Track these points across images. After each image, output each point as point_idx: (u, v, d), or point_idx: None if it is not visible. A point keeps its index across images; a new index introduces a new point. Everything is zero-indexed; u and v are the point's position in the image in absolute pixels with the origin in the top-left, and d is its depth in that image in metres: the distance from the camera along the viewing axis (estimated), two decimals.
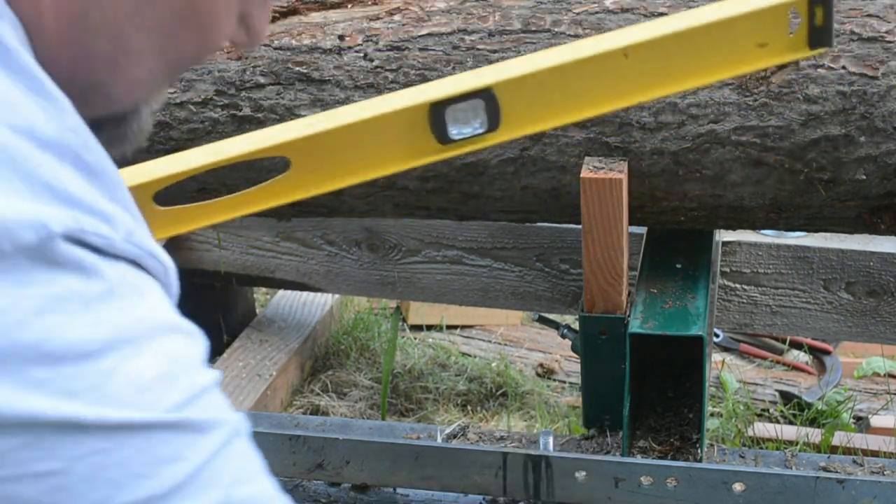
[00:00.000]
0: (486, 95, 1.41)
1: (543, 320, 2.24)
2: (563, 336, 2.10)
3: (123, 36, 0.78)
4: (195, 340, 0.74)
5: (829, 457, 1.99)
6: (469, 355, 3.45)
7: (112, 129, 0.85)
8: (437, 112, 1.41)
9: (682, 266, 2.00)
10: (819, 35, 1.40)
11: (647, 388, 1.95)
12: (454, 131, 1.41)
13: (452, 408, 3.18)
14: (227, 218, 1.59)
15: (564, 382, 3.35)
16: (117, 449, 0.68)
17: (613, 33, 1.46)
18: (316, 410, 3.13)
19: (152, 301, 0.71)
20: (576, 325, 2.05)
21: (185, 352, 0.72)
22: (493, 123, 1.42)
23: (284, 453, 1.91)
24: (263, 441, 1.91)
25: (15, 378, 0.64)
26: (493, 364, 3.36)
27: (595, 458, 1.85)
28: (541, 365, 3.40)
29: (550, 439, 1.94)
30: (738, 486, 1.75)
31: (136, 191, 1.38)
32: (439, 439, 2.02)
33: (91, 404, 0.66)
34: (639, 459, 1.85)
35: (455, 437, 2.03)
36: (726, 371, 3.28)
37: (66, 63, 0.77)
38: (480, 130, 1.42)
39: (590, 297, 1.92)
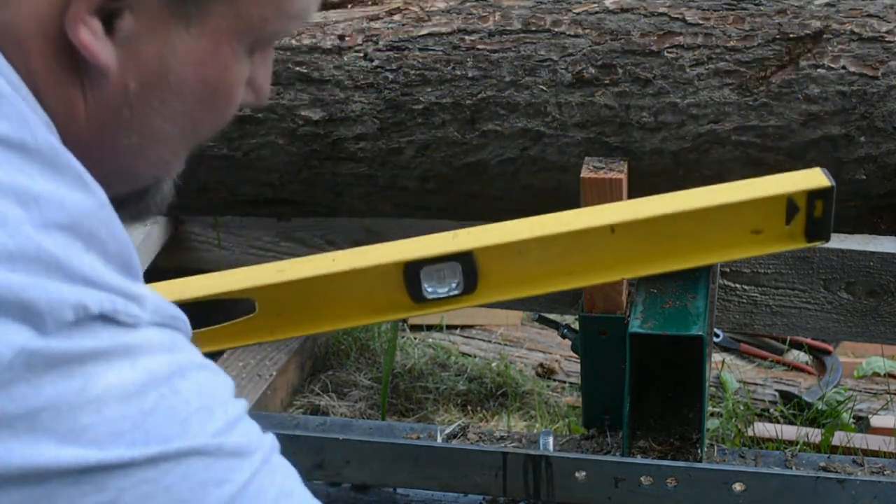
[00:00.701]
0: (464, 259, 1.37)
1: (543, 320, 2.24)
2: (563, 336, 2.10)
3: (151, 128, 0.84)
4: (223, 377, 0.81)
5: (829, 457, 1.99)
6: (469, 355, 3.45)
7: (135, 204, 0.92)
8: (413, 271, 1.38)
9: None
10: (817, 227, 1.36)
11: (647, 388, 1.95)
12: (429, 290, 1.39)
13: (452, 408, 3.18)
14: None
15: (564, 382, 3.35)
16: (163, 476, 0.74)
17: (603, 207, 1.42)
18: (316, 410, 3.13)
19: (179, 348, 0.78)
20: (576, 325, 2.05)
21: (216, 386, 0.79)
22: (470, 286, 1.38)
23: (284, 453, 1.90)
24: None
25: (65, 427, 0.71)
26: (493, 364, 3.36)
27: (595, 458, 1.85)
28: (541, 365, 3.40)
29: (550, 439, 1.94)
30: (738, 486, 1.75)
31: None
32: (439, 439, 2.02)
33: (135, 441, 0.73)
34: (639, 459, 1.85)
35: (455, 437, 2.03)
36: (726, 371, 3.29)
37: (95, 154, 0.82)
38: (456, 292, 1.39)
39: (590, 297, 1.91)
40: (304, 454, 1.90)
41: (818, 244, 1.39)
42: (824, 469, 1.91)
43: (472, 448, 1.90)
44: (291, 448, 1.89)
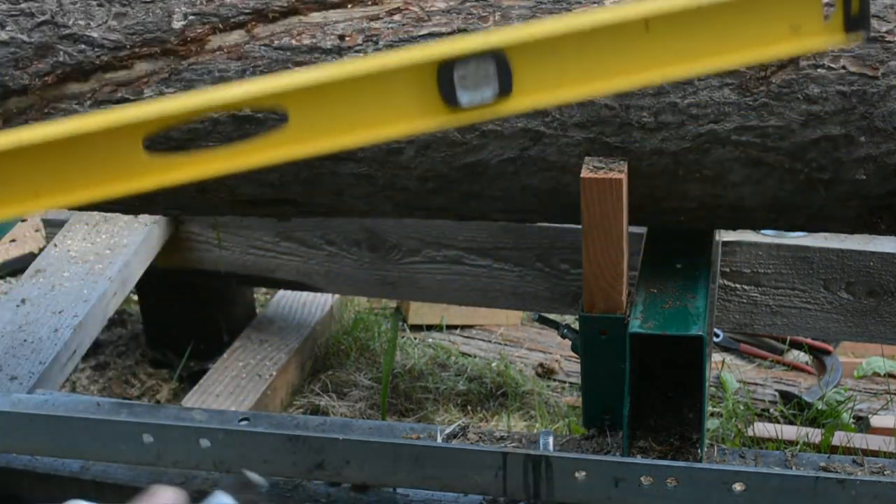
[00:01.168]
0: (497, 57, 1.36)
1: (543, 320, 2.24)
2: (563, 336, 2.10)
3: None
4: None
5: (829, 457, 1.99)
6: (469, 355, 3.45)
7: None
8: (446, 72, 1.35)
9: (682, 266, 1.99)
10: (855, 21, 1.34)
11: (647, 388, 1.95)
12: (464, 98, 1.37)
13: (452, 408, 3.17)
14: (220, 170, 1.52)
15: (564, 382, 3.35)
16: None
17: (636, 2, 1.40)
18: (316, 410, 3.13)
19: None
20: (576, 325, 2.05)
21: None
22: (505, 88, 1.37)
23: (284, 453, 1.91)
24: (263, 441, 1.91)
25: None
26: (493, 364, 3.35)
27: (595, 458, 1.85)
28: (541, 365, 3.40)
29: (550, 439, 1.94)
30: (738, 486, 1.75)
31: (124, 133, 1.32)
32: (439, 439, 2.02)
33: None
34: (639, 459, 1.85)
35: (455, 437, 2.03)
36: (726, 371, 3.29)
37: None
38: (491, 97, 1.37)
39: (590, 297, 1.92)
40: (304, 454, 1.90)
41: (859, 38, 1.35)
42: (824, 469, 1.91)
43: (472, 448, 1.90)
44: (291, 448, 1.90)
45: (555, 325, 2.14)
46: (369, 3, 1.96)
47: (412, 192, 1.97)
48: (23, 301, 2.62)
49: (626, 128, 1.84)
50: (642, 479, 1.78)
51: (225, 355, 3.12)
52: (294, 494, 2.08)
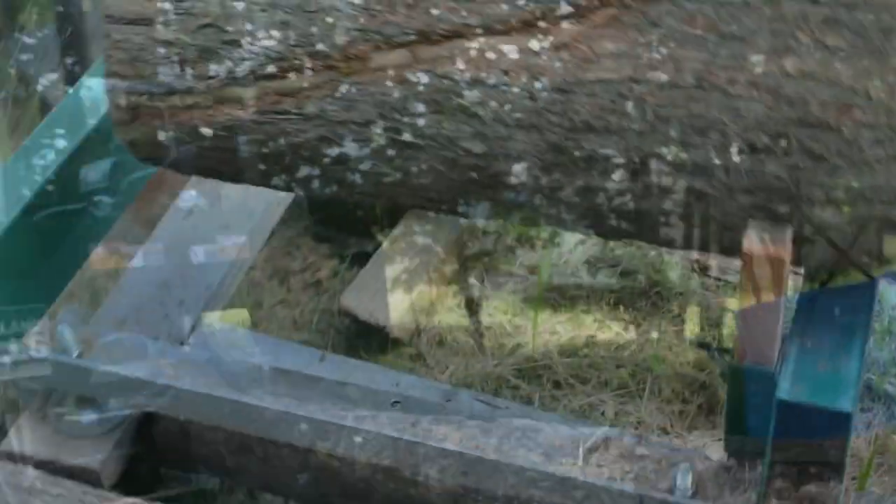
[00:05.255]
0: None
1: (699, 344, 2.23)
2: (712, 358, 2.09)
3: None
4: None
5: None
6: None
7: None
8: None
9: (840, 311, 1.94)
10: None
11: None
12: None
13: (605, 306, 3.18)
14: None
15: (720, 280, 3.32)
16: None
17: None
18: (470, 303, 3.18)
19: None
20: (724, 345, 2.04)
21: None
22: None
23: None
24: None
25: None
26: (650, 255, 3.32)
27: None
28: (696, 261, 3.36)
29: (689, 477, 1.96)
30: None
31: None
32: (580, 452, 2.06)
33: None
34: None
35: (595, 450, 2.07)
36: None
37: None
38: None
39: (741, 349, 1.90)
40: None
41: None
42: None
43: (607, 486, 1.94)
44: None
45: (706, 346, 2.13)
46: (538, 34, 1.88)
47: None
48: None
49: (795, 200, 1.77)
50: None
51: (386, 243, 3.16)
52: None
